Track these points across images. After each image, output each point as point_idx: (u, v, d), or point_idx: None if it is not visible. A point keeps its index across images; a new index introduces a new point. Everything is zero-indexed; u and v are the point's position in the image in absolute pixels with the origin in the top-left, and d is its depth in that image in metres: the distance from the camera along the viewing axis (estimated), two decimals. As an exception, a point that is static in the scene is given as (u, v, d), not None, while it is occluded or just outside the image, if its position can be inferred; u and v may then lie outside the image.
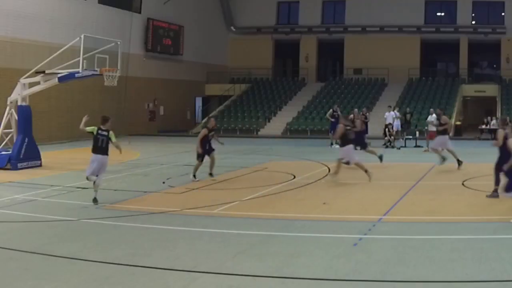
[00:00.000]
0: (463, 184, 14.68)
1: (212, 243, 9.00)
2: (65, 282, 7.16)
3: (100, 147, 12.41)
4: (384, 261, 7.86)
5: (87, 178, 12.55)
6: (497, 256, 7.99)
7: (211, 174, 16.33)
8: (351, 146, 15.74)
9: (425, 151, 23.70)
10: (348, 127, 15.82)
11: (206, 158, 16.18)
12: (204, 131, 16.39)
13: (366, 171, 15.38)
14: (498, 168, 12.08)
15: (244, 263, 7.90)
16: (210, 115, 39.15)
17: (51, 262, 8.02)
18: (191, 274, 7.46)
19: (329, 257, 8.13)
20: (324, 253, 8.34)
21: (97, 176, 12.40)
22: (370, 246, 8.77)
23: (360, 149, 19.33)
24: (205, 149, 16.33)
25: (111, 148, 12.51)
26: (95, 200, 12.30)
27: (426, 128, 25.61)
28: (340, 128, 15.68)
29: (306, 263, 7.86)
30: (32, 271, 7.58)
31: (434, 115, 26.50)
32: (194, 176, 15.87)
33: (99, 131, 12.46)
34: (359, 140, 19.60)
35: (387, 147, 25.90)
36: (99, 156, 12.38)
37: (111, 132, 12.55)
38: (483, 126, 32.74)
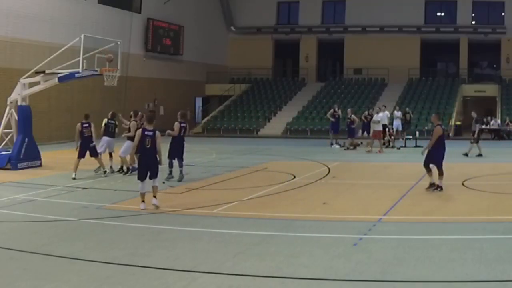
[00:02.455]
0: (463, 184, 14.69)
1: (212, 243, 9.00)
2: (65, 282, 7.15)
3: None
4: (384, 261, 7.85)
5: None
6: (497, 256, 7.98)
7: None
8: None
9: (369, 151, 23.80)
10: None
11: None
12: (77, 126, 16.84)
13: None
14: None
15: (244, 263, 7.90)
16: (211, 114, 39.25)
17: (51, 262, 8.01)
18: (191, 274, 7.46)
19: (329, 257, 8.13)
20: (324, 253, 8.33)
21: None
22: (370, 246, 8.77)
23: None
24: (84, 146, 16.58)
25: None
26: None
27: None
28: None
29: (306, 263, 7.86)
30: (32, 271, 7.57)
31: (397, 112, 26.74)
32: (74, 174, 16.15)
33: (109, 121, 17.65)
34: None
35: (387, 147, 25.90)
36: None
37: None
38: (483, 126, 32.73)
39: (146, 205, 11.55)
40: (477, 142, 21.73)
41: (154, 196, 11.66)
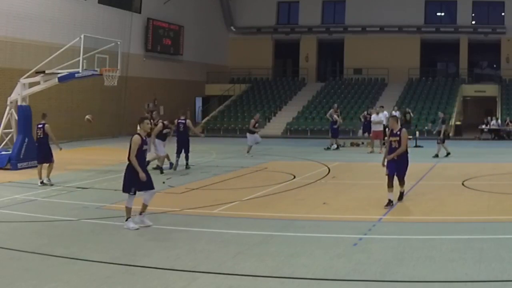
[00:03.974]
0: (463, 184, 14.69)
1: (212, 243, 9.00)
2: (65, 282, 7.15)
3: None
4: (384, 261, 7.86)
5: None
6: (497, 256, 7.98)
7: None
8: None
9: (371, 151, 23.69)
10: None
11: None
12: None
13: None
14: None
15: (244, 263, 7.90)
16: (211, 114, 39.23)
17: (51, 262, 8.01)
18: (191, 274, 7.46)
19: (329, 257, 8.13)
20: (324, 253, 8.33)
21: None
22: (370, 246, 8.76)
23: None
24: (39, 150, 15.45)
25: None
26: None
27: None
28: None
29: (306, 263, 7.86)
30: (32, 271, 7.57)
31: (396, 112, 26.58)
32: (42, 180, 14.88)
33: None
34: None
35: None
36: None
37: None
38: (483, 126, 32.76)
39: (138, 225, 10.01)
40: (443, 142, 21.79)
41: (140, 213, 10.15)
